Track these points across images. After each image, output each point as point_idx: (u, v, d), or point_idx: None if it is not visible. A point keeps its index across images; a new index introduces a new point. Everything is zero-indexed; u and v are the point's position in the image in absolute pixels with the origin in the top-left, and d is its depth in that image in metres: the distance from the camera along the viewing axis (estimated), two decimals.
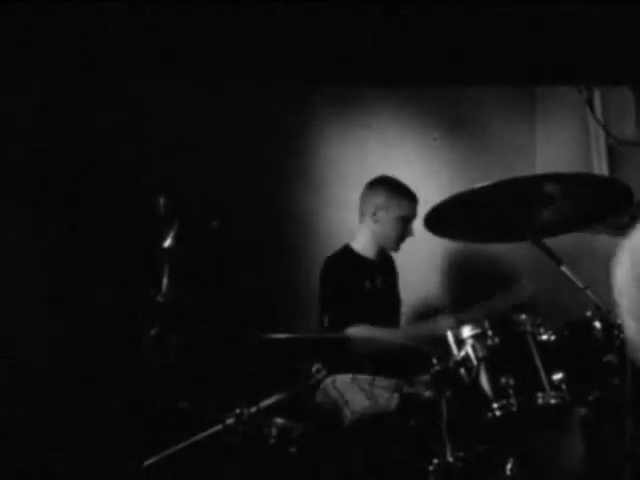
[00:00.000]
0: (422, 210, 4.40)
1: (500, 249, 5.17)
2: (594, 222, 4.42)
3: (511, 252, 5.15)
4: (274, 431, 3.77)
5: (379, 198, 4.83)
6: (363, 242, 4.86)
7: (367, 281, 4.75)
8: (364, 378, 4.36)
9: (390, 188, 4.83)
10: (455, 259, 5.51)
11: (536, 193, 3.74)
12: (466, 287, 5.39)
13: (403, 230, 4.83)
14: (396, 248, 4.90)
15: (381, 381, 4.36)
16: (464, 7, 4.45)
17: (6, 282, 4.48)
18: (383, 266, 4.92)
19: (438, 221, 3.94)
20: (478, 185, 3.65)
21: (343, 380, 4.37)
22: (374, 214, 4.82)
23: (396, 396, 4.22)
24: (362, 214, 4.88)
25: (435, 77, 4.92)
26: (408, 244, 4.90)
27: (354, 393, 4.29)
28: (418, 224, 4.48)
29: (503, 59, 4.73)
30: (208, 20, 4.41)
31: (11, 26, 4.33)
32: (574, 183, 3.82)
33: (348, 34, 4.54)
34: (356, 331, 4.54)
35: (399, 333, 4.71)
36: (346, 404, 4.27)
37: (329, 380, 4.39)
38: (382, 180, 4.89)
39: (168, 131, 4.87)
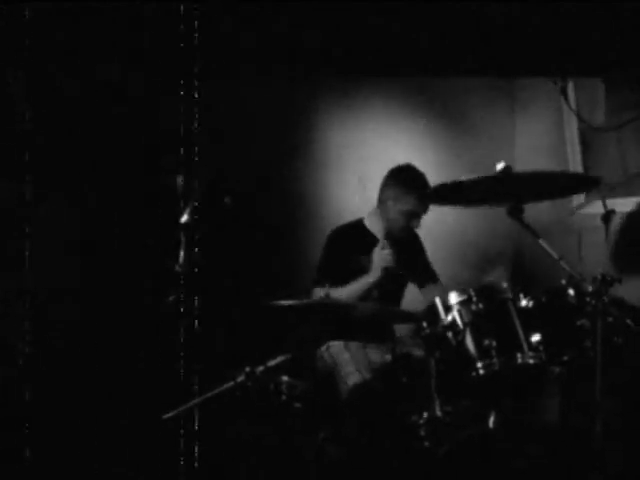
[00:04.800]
0: None
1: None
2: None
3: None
4: (284, 388, 3.80)
5: (391, 190, 4.70)
6: (374, 221, 4.78)
7: (366, 256, 4.60)
8: (357, 344, 4.36)
9: (402, 183, 4.69)
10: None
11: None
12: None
13: (408, 222, 4.69)
14: (401, 235, 4.73)
15: (373, 347, 4.37)
16: (454, 6, 4.48)
17: (46, 257, 4.50)
18: (392, 245, 4.65)
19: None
20: (464, 179, 3.71)
21: (337, 347, 4.36)
22: (385, 202, 4.72)
23: (389, 357, 4.24)
24: (379, 196, 4.79)
25: (425, 68, 4.93)
26: None
27: (348, 368, 4.25)
28: None
29: (488, 53, 4.74)
30: (223, 8, 4.42)
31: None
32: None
33: (345, 30, 4.56)
34: (319, 291, 4.40)
35: (350, 289, 4.50)
36: (341, 378, 4.24)
37: (324, 347, 4.40)
38: (400, 172, 4.75)
39: (185, 117, 4.87)
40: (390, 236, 4.71)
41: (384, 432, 3.87)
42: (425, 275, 4.91)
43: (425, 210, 4.69)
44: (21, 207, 4.49)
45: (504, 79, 5.74)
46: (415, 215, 4.69)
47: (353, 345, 4.35)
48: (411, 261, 4.85)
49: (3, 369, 4.38)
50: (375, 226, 4.77)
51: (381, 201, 4.76)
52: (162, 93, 4.81)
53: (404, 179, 4.71)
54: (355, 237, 4.72)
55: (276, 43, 4.64)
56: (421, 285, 4.90)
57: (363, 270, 4.58)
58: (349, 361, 4.27)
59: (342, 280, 4.52)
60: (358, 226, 4.79)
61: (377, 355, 4.34)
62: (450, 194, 3.93)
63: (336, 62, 4.76)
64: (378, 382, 4.13)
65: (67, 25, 4.46)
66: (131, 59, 4.59)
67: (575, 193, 4.40)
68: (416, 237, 4.90)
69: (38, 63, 4.48)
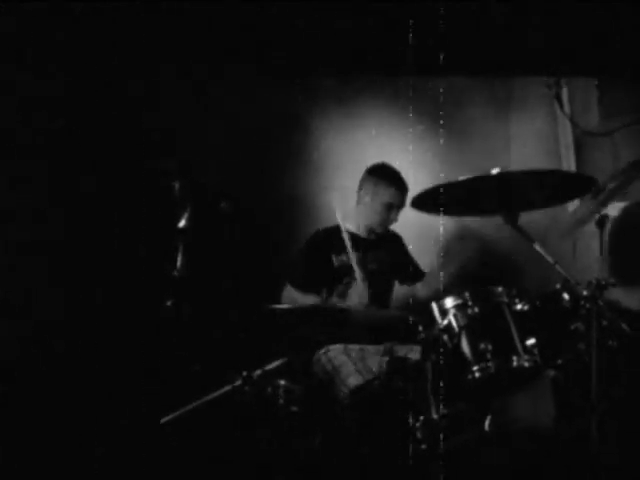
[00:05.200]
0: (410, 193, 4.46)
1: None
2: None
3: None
4: (281, 391, 3.80)
5: (369, 185, 4.87)
6: (356, 221, 4.92)
7: (344, 256, 4.72)
8: (355, 347, 4.34)
9: (380, 177, 4.86)
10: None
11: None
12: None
13: (387, 215, 4.84)
14: (381, 230, 4.89)
15: (372, 349, 4.35)
16: (449, 8, 4.49)
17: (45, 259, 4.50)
18: (375, 244, 4.90)
19: (423, 202, 4.00)
20: (461, 178, 3.71)
21: (335, 351, 4.34)
22: (363, 198, 4.87)
23: (385, 360, 4.24)
24: (358, 195, 4.93)
25: (420, 70, 4.93)
26: None
27: (347, 370, 4.24)
28: None
29: (485, 53, 4.76)
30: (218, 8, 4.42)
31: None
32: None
33: (344, 30, 4.56)
34: (284, 295, 4.65)
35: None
36: (341, 381, 4.23)
37: (322, 351, 4.38)
38: (376, 168, 4.92)
39: (183, 122, 4.88)
40: (371, 232, 4.88)
41: (383, 434, 3.87)
42: (412, 274, 5.00)
43: (402, 202, 4.82)
44: (21, 208, 4.50)
45: (501, 86, 5.76)
46: (393, 207, 4.83)
47: (352, 349, 4.34)
48: (397, 263, 4.96)
49: (3, 369, 4.39)
50: (358, 226, 4.91)
51: (360, 198, 4.91)
52: (161, 95, 4.83)
53: (379, 174, 4.88)
54: (335, 238, 4.77)
55: (274, 45, 4.66)
56: (410, 284, 4.99)
57: (345, 268, 4.68)
58: (349, 363, 4.26)
59: (320, 281, 4.65)
60: (338, 227, 4.83)
61: (375, 358, 4.33)
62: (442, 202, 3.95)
63: (335, 62, 4.79)
64: (379, 383, 4.13)
65: (66, 25, 4.48)
66: (130, 60, 4.60)
67: (570, 198, 4.38)
68: (399, 238, 5.03)
69: (38, 62, 4.49)
